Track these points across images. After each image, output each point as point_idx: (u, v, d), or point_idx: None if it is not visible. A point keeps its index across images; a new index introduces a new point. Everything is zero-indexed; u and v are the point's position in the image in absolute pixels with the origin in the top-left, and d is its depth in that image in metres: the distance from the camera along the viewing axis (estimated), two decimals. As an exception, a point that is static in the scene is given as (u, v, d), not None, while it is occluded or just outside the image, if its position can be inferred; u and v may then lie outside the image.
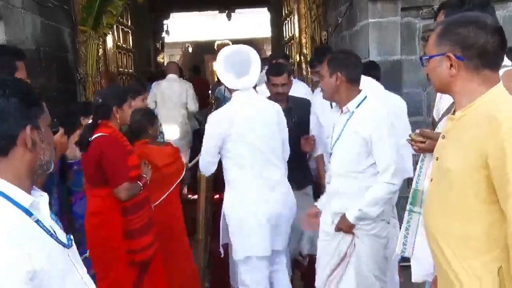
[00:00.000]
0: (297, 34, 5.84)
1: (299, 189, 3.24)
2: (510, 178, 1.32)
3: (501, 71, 1.55)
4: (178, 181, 3.33)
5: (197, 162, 3.52)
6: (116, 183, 2.67)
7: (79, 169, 3.11)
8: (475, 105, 1.46)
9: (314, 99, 3.49)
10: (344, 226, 2.52)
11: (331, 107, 2.92)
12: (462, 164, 1.44)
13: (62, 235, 1.25)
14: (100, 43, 5.28)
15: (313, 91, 4.09)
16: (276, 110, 2.90)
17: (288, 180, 2.94)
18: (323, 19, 5.42)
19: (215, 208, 4.02)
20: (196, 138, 6.12)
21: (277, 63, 3.91)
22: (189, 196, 6.11)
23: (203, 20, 15.07)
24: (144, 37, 8.62)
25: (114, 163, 2.68)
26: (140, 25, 7.90)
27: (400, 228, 2.27)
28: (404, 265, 2.83)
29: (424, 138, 2.04)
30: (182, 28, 14.39)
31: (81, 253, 1.49)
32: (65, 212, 3.27)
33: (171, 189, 3.25)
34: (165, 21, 10.54)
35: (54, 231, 1.22)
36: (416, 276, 2.12)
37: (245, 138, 2.74)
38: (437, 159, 1.60)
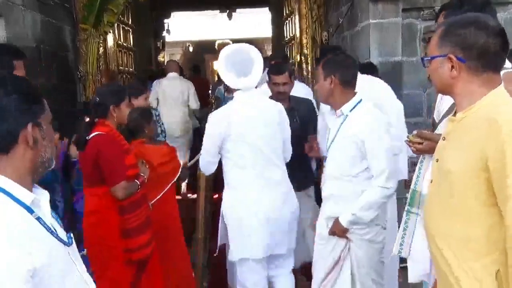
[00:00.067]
0: (298, 34, 5.84)
1: (301, 190, 3.21)
2: (509, 180, 1.32)
3: (501, 73, 1.54)
4: (174, 180, 3.33)
5: (197, 161, 3.52)
6: (113, 182, 2.66)
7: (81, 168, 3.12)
8: (476, 107, 1.46)
9: None
10: (338, 230, 2.50)
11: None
12: (462, 166, 1.44)
13: (62, 233, 1.26)
14: (101, 41, 5.28)
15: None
16: (277, 110, 2.87)
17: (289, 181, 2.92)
18: (324, 19, 5.42)
19: (215, 207, 4.02)
20: (196, 136, 6.14)
21: (277, 63, 3.91)
22: (189, 195, 6.12)
23: (204, 20, 15.07)
24: (145, 36, 8.62)
25: (111, 162, 2.68)
26: (141, 24, 7.90)
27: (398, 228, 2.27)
28: (403, 266, 2.83)
29: (422, 139, 2.05)
30: (183, 27, 14.39)
31: (80, 251, 1.49)
32: (67, 210, 3.28)
33: (167, 188, 3.24)
34: (166, 20, 10.54)
35: (55, 229, 1.22)
36: (413, 276, 2.12)
37: (245, 138, 2.72)
38: (437, 161, 1.60)
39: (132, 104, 3.85)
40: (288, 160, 2.94)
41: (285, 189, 2.83)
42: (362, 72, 3.28)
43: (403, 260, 2.78)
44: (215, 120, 2.79)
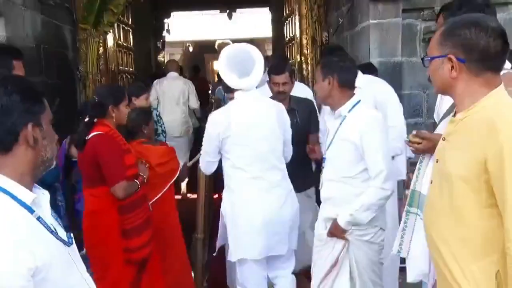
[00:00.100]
0: (298, 35, 5.83)
1: (301, 191, 3.20)
2: (508, 183, 1.33)
3: (501, 74, 1.54)
4: (173, 181, 3.33)
5: (197, 161, 3.52)
6: (113, 182, 2.66)
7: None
8: (476, 107, 1.46)
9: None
10: (336, 231, 2.49)
11: None
12: (462, 167, 1.44)
13: (62, 233, 1.26)
14: (101, 41, 5.28)
15: None
16: (278, 110, 2.86)
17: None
18: (324, 19, 5.42)
19: (214, 207, 4.02)
20: (196, 136, 6.15)
21: (278, 62, 3.89)
22: (188, 195, 6.12)
23: (204, 20, 15.08)
24: (145, 35, 8.61)
25: (110, 162, 2.68)
26: (141, 24, 7.90)
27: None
28: (402, 267, 2.83)
29: (421, 139, 2.06)
30: (183, 27, 14.39)
31: (80, 251, 1.50)
32: (68, 210, 3.28)
33: (165, 189, 3.25)
34: (166, 20, 10.52)
35: (55, 229, 1.22)
36: (411, 276, 2.13)
37: (244, 139, 2.71)
38: (437, 162, 1.60)
39: (134, 104, 3.90)
40: (288, 160, 2.93)
41: (284, 190, 2.82)
42: (363, 73, 3.29)
43: (402, 260, 2.78)
44: (215, 121, 2.78)
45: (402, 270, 2.87)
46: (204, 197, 3.46)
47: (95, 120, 2.76)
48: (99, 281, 2.65)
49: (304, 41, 5.58)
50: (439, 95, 2.21)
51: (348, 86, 2.52)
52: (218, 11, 12.36)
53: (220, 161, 2.89)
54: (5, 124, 1.16)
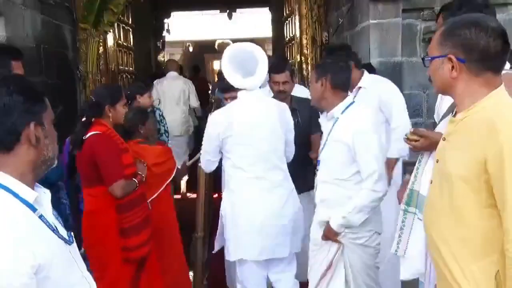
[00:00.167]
0: (298, 35, 5.83)
1: (302, 192, 3.17)
2: (507, 183, 1.33)
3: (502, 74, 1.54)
4: (169, 180, 3.33)
5: (197, 160, 3.52)
6: (111, 181, 2.67)
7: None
8: (476, 108, 1.46)
9: None
10: (329, 234, 2.48)
11: None
12: (462, 167, 1.44)
13: (63, 231, 1.27)
14: (101, 41, 5.28)
15: None
16: (280, 110, 2.85)
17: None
18: (324, 19, 5.42)
19: (214, 206, 4.02)
20: (196, 135, 6.17)
21: (278, 61, 3.89)
22: (188, 194, 6.13)
23: (204, 19, 15.07)
24: (145, 35, 8.61)
25: (107, 161, 2.68)
26: (141, 24, 7.89)
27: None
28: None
29: (418, 136, 2.07)
30: (183, 27, 14.38)
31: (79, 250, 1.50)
32: (72, 209, 3.28)
33: (162, 188, 3.25)
34: (166, 20, 10.52)
35: (56, 227, 1.23)
36: (405, 274, 2.13)
37: (245, 139, 2.71)
38: (437, 162, 1.60)
39: (138, 102, 3.94)
40: (290, 160, 2.92)
41: (286, 190, 2.80)
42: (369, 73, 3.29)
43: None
44: (215, 120, 2.78)
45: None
46: (204, 196, 3.46)
47: (93, 120, 2.77)
48: (98, 280, 2.63)
49: (304, 41, 5.58)
50: (439, 95, 2.21)
51: (341, 87, 2.50)
52: (218, 11, 12.36)
53: (220, 161, 2.89)
54: (7, 123, 1.17)
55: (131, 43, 7.10)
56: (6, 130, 1.17)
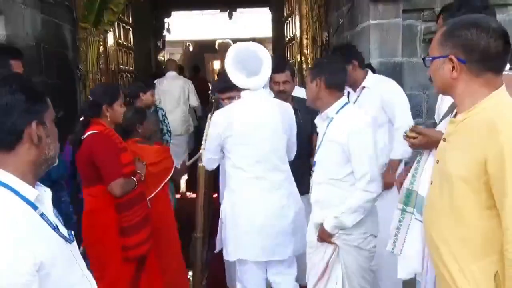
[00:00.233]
0: (298, 35, 5.83)
1: (304, 193, 3.19)
2: (508, 184, 1.33)
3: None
4: (167, 180, 3.34)
5: (196, 160, 3.52)
6: (109, 179, 2.67)
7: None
8: (477, 108, 1.46)
9: None
10: (323, 235, 2.47)
11: None
12: (462, 168, 1.44)
13: (63, 230, 1.27)
14: (101, 40, 5.28)
15: None
16: (283, 110, 2.84)
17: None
18: (324, 19, 5.42)
19: (214, 206, 4.02)
20: (196, 135, 6.18)
21: (278, 61, 3.88)
22: (188, 193, 6.13)
23: (204, 19, 15.07)
24: (145, 35, 8.60)
25: (105, 160, 2.69)
26: (141, 23, 7.89)
27: None
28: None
29: (416, 134, 2.08)
30: (183, 26, 14.38)
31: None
32: (74, 208, 3.29)
33: (159, 188, 3.25)
34: (166, 19, 10.52)
35: (57, 226, 1.23)
36: (402, 273, 2.13)
37: (247, 139, 2.70)
38: (437, 162, 1.60)
39: (141, 100, 3.96)
40: (291, 159, 2.90)
41: (287, 191, 2.78)
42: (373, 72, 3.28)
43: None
44: (217, 120, 2.77)
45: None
46: (203, 196, 3.46)
47: (91, 119, 2.77)
48: (98, 280, 2.62)
49: (305, 41, 5.57)
50: (440, 96, 2.22)
51: (335, 88, 2.50)
52: (219, 10, 12.36)
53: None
54: (9, 122, 1.18)
55: (131, 43, 7.09)
56: (8, 129, 1.17)
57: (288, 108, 2.90)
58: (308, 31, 5.50)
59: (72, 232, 1.30)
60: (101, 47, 5.35)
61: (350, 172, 2.43)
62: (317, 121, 2.62)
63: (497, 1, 3.85)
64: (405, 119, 3.13)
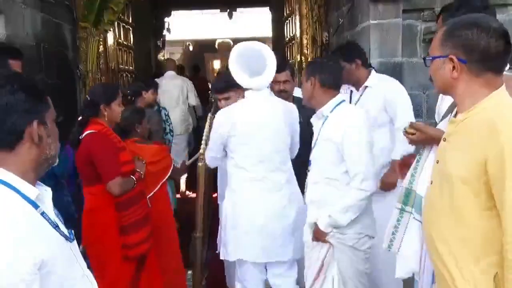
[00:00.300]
0: (298, 35, 5.83)
1: (304, 193, 3.18)
2: (508, 184, 1.33)
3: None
4: (165, 179, 3.34)
5: (196, 159, 3.52)
6: (108, 178, 2.67)
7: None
8: (477, 108, 1.46)
9: None
10: (317, 235, 2.46)
11: None
12: (462, 168, 1.44)
13: (64, 229, 1.28)
14: (101, 40, 5.28)
15: None
16: (287, 110, 2.83)
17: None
18: (324, 19, 5.41)
19: (214, 205, 4.01)
20: (195, 134, 6.18)
21: (279, 60, 3.87)
22: (187, 193, 6.13)
23: (204, 19, 15.06)
24: (145, 34, 8.60)
25: (104, 159, 2.69)
26: (141, 23, 7.89)
27: None
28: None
29: (415, 130, 2.08)
30: (183, 26, 14.37)
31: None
32: (76, 206, 3.29)
33: (158, 187, 3.25)
34: (166, 19, 10.52)
35: (57, 224, 1.24)
36: (400, 272, 2.13)
37: (249, 139, 2.69)
38: (437, 162, 1.60)
39: (143, 98, 3.96)
40: (293, 157, 2.89)
41: (288, 191, 2.77)
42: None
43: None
44: (220, 120, 2.76)
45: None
46: (203, 195, 3.46)
47: (89, 119, 2.78)
48: (98, 280, 2.65)
49: (305, 41, 5.57)
50: (440, 96, 2.22)
51: (329, 86, 2.49)
52: (219, 10, 12.36)
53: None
54: (10, 121, 1.18)
55: (131, 42, 7.09)
56: (9, 129, 1.18)
57: (292, 108, 2.90)
58: (308, 31, 5.50)
59: (72, 231, 1.30)
60: (101, 46, 5.35)
61: (345, 171, 2.42)
62: (313, 120, 2.61)
63: (497, 1, 3.84)
64: (406, 119, 3.12)
